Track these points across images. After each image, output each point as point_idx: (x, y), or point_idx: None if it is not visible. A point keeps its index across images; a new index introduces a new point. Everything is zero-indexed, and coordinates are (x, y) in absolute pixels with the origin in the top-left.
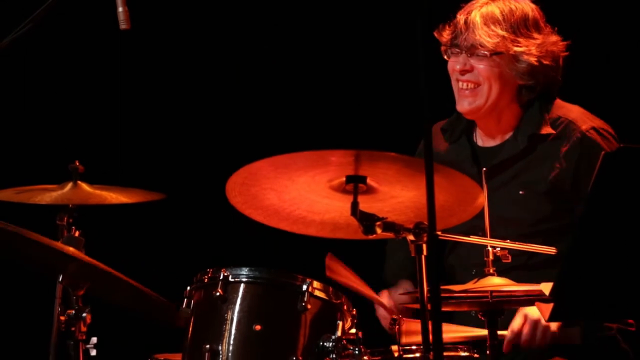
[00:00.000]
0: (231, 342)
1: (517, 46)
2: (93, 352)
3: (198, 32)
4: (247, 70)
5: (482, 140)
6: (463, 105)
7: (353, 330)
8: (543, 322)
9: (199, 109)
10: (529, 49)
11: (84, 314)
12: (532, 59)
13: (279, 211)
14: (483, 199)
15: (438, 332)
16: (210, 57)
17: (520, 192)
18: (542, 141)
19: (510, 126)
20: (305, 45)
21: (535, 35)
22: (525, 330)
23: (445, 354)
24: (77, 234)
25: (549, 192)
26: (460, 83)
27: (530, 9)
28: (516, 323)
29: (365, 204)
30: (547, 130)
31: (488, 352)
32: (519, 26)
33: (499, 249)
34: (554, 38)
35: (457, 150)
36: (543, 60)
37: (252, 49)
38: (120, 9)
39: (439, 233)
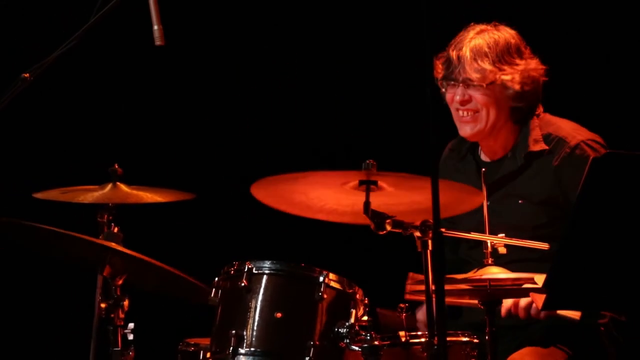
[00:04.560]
0: (255, 328)
1: (504, 74)
2: (130, 337)
3: (228, 41)
4: (269, 81)
5: (485, 156)
6: (465, 130)
7: (365, 318)
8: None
9: (225, 119)
10: (513, 76)
11: (122, 302)
12: (516, 86)
13: (310, 206)
14: (483, 196)
15: (442, 319)
16: (235, 71)
17: (520, 202)
18: (537, 157)
19: (509, 141)
20: (317, 55)
21: (518, 60)
22: (523, 300)
23: (448, 339)
24: (116, 230)
25: (543, 202)
26: (461, 112)
27: (511, 36)
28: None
29: (378, 199)
30: (541, 146)
31: (487, 337)
32: (503, 55)
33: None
34: (534, 63)
35: (465, 166)
36: (525, 87)
37: (274, 63)
38: (155, 27)
39: (443, 230)
